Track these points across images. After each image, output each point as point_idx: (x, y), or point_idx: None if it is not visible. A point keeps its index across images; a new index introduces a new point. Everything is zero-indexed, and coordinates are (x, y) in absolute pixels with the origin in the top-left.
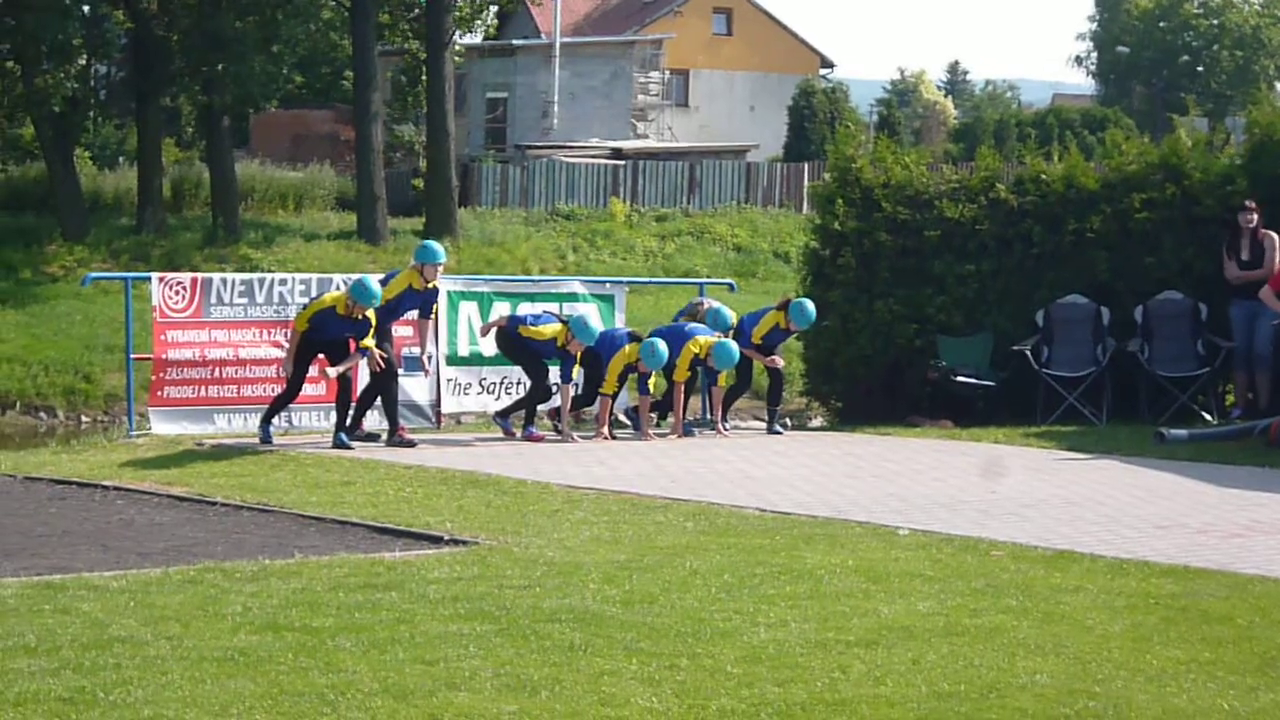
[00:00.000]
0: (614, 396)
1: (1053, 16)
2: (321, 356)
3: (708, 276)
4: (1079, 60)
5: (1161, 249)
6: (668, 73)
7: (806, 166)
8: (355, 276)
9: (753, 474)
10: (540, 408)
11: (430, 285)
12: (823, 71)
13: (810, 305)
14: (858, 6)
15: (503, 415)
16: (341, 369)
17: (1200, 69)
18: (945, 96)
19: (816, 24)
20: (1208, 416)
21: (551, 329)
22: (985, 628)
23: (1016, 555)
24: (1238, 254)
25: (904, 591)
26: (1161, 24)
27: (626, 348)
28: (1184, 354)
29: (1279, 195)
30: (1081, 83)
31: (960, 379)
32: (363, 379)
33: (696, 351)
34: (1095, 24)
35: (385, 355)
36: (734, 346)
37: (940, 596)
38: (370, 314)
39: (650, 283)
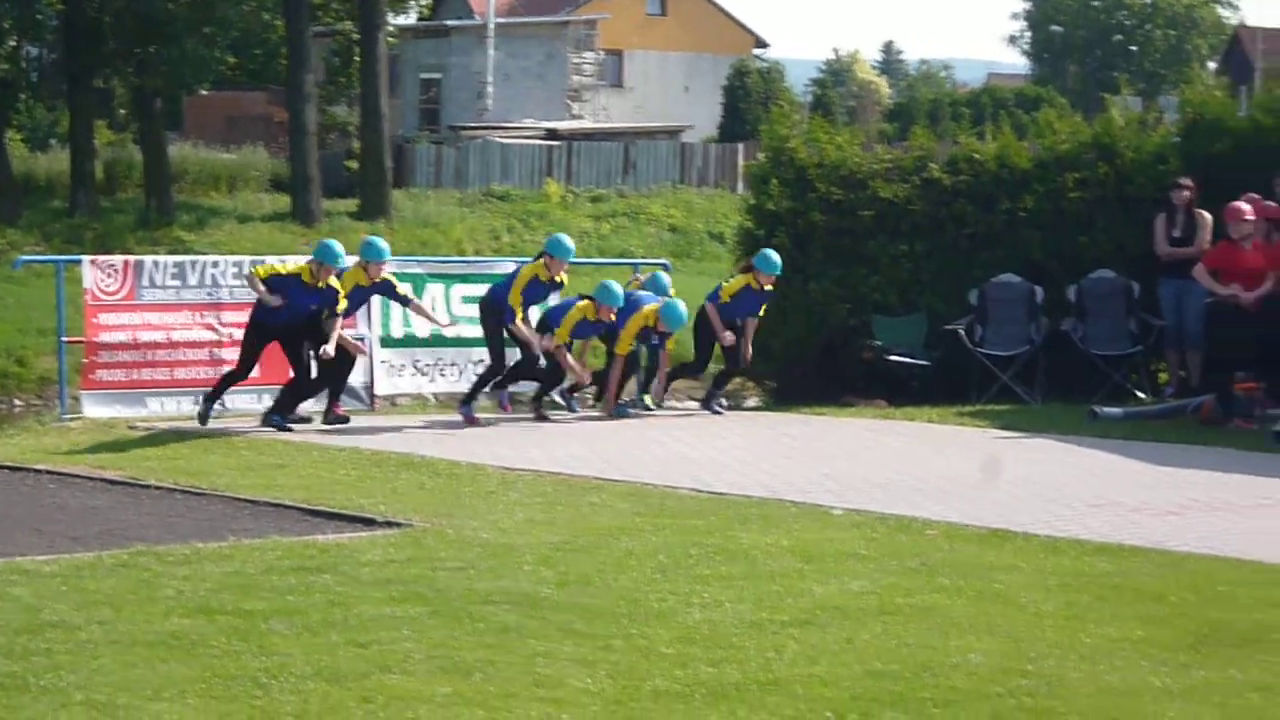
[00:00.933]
0: (628, 358)
1: None
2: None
3: (643, 257)
4: (1013, 39)
5: (1094, 228)
6: (602, 53)
7: (741, 147)
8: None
9: (688, 455)
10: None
11: (377, 280)
12: (757, 52)
13: (773, 253)
14: None
15: (468, 401)
16: (333, 343)
17: (1134, 48)
18: (880, 76)
19: (750, 4)
20: (1141, 395)
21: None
22: (919, 607)
23: (950, 534)
24: (1169, 232)
25: (838, 571)
26: (1095, 3)
27: (646, 308)
28: (1117, 333)
29: (1211, 174)
30: (1016, 62)
31: (894, 359)
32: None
33: (645, 322)
34: (1029, 3)
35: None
36: (681, 306)
37: (874, 576)
38: (334, 282)
39: (585, 263)
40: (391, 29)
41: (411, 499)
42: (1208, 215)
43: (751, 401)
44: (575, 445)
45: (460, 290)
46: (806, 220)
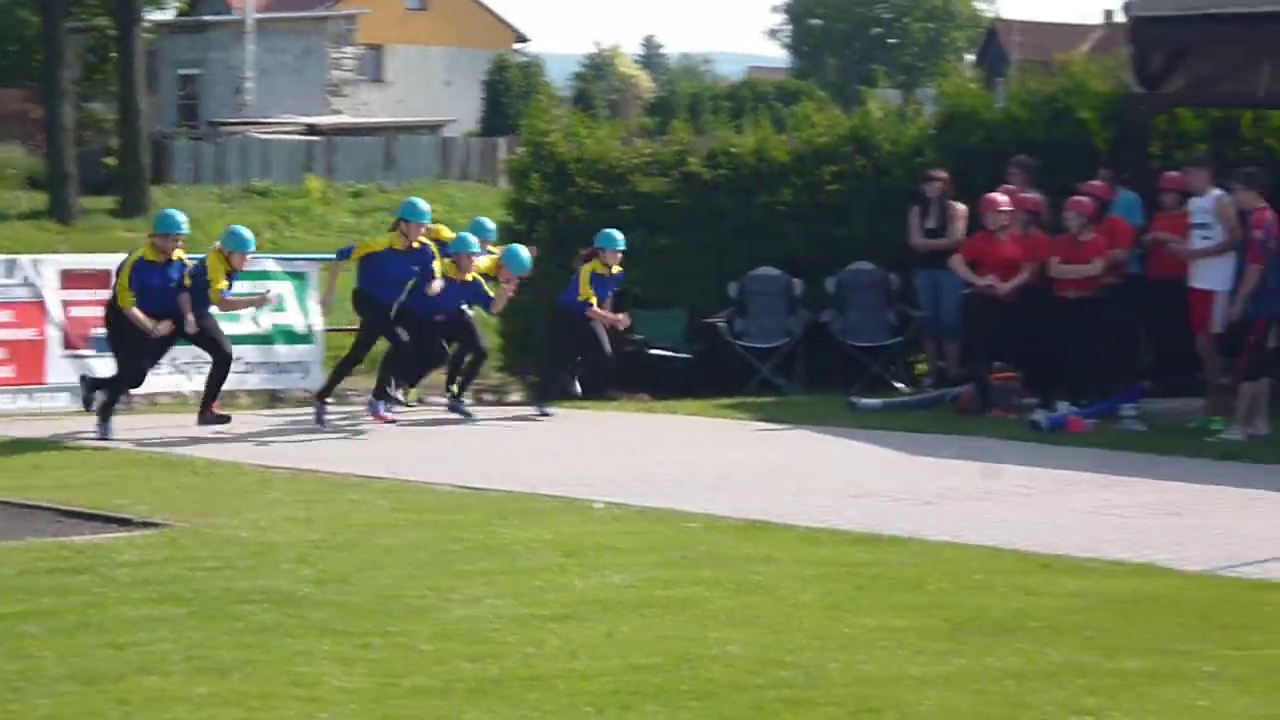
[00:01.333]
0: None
1: None
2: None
3: None
4: (774, 33)
5: (852, 220)
6: (362, 48)
7: (503, 141)
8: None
9: (450, 450)
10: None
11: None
12: (518, 46)
13: (615, 231)
14: None
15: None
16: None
17: (893, 41)
18: (641, 70)
19: None
20: (899, 386)
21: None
22: (679, 599)
23: (710, 526)
24: (923, 223)
25: (599, 565)
26: None
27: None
28: (875, 324)
29: (967, 166)
30: (776, 55)
31: (655, 352)
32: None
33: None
34: None
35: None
36: (522, 250)
37: (635, 569)
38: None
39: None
40: (148, 25)
41: (169, 499)
42: (961, 206)
43: (515, 396)
44: (337, 442)
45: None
46: (567, 214)
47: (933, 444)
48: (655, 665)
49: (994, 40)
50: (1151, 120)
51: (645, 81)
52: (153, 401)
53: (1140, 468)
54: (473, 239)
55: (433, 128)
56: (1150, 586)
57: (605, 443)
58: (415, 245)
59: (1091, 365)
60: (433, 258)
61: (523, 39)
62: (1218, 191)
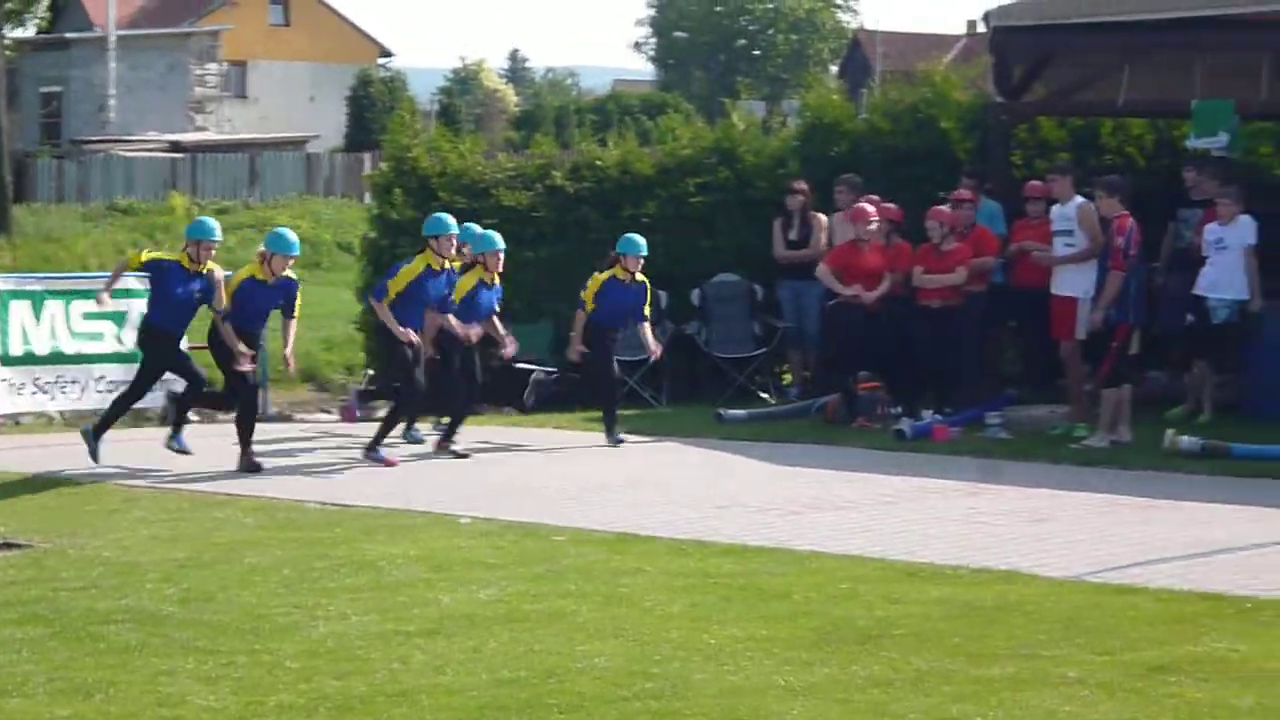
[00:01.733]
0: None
1: (613, 3)
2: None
3: None
4: (639, 46)
5: (717, 232)
6: (225, 64)
7: (368, 157)
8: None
9: (313, 467)
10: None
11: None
12: (382, 61)
13: (636, 235)
14: None
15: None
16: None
17: (757, 53)
18: (507, 84)
19: (375, 14)
20: (765, 396)
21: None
22: (546, 613)
23: (578, 539)
24: (786, 234)
25: (466, 580)
26: (719, 8)
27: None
28: (741, 335)
29: (830, 177)
30: (642, 68)
31: (522, 366)
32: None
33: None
34: (654, 10)
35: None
36: (495, 236)
37: (502, 584)
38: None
39: None
40: (9, 42)
41: (33, 519)
42: (823, 217)
43: (381, 412)
44: (202, 458)
45: (80, 306)
46: None
47: (799, 454)
48: (522, 679)
49: (858, 51)
50: (1013, 129)
51: (511, 95)
52: (16, 421)
53: (1005, 475)
54: (496, 236)
55: (297, 144)
56: (1015, 593)
57: (473, 456)
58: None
59: (956, 374)
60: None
61: (387, 54)
62: (1080, 199)
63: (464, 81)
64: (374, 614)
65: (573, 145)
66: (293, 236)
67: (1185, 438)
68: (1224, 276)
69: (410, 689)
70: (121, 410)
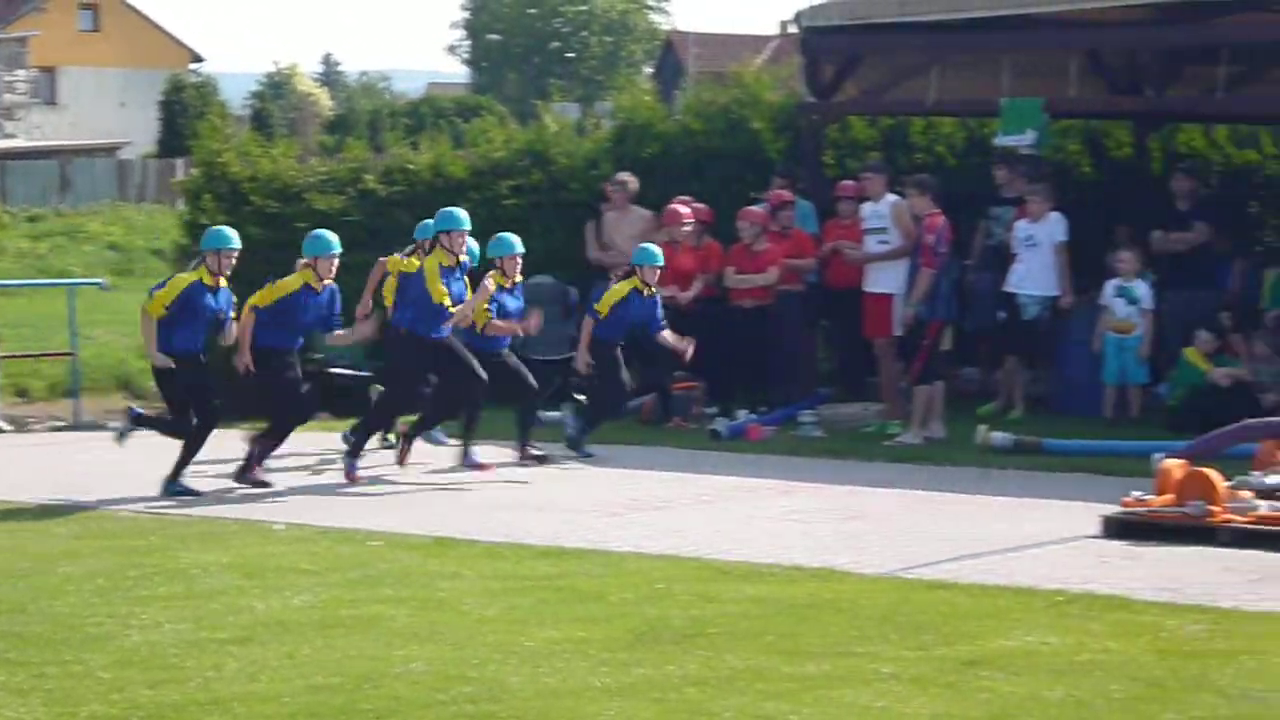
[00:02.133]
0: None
1: (427, 6)
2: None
3: (83, 276)
4: (453, 49)
5: (531, 234)
6: (35, 70)
7: (180, 162)
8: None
9: (130, 473)
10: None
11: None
12: (193, 66)
13: (650, 246)
14: (228, 1)
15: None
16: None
17: (571, 55)
18: (320, 88)
19: (186, 19)
20: (581, 398)
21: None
22: (361, 618)
23: (394, 544)
24: (599, 236)
25: (280, 586)
26: (532, 10)
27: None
28: (556, 337)
29: (643, 178)
30: (457, 71)
31: (336, 371)
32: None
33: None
34: (468, 12)
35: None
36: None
37: (316, 590)
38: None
39: (19, 285)
40: None
41: None
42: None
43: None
44: (18, 470)
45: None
46: (242, 234)
47: (615, 455)
48: (337, 685)
49: (671, 52)
50: (824, 129)
51: (325, 99)
52: None
53: (819, 473)
54: (513, 239)
55: (109, 150)
56: (829, 590)
57: (292, 463)
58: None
59: (770, 373)
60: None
61: (198, 59)
62: (893, 197)
63: (277, 86)
64: (187, 622)
65: (385, 149)
66: (331, 235)
67: (997, 433)
68: (1034, 273)
69: (223, 697)
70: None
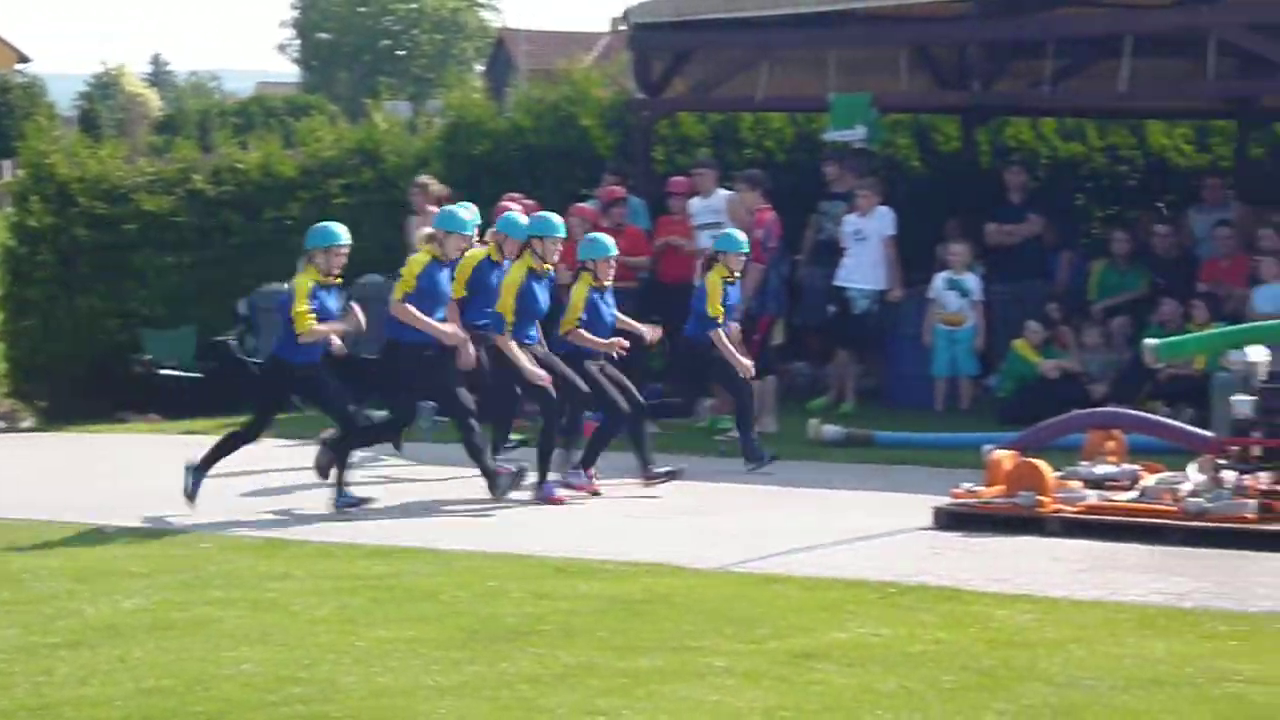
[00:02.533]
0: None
1: (256, 5)
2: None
3: None
4: (283, 47)
5: (362, 233)
6: None
7: (7, 164)
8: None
9: None
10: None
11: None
12: (19, 67)
13: (732, 231)
14: (55, 2)
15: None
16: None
17: (402, 53)
18: (149, 88)
19: (12, 20)
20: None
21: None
22: (193, 620)
23: (225, 546)
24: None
25: (110, 589)
26: (361, 9)
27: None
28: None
29: (474, 175)
30: (287, 70)
31: (165, 371)
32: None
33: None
34: (297, 11)
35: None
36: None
37: (147, 592)
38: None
39: None
40: None
41: None
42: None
43: (27, 422)
44: None
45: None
46: (70, 236)
47: (447, 452)
48: (168, 688)
49: (502, 50)
50: (654, 125)
51: (153, 100)
52: None
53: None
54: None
55: None
56: (663, 586)
57: (117, 465)
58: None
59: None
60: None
61: (25, 59)
62: (725, 192)
63: (105, 87)
64: (16, 627)
65: (215, 148)
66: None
67: (829, 427)
68: (864, 267)
69: (54, 702)
70: (349, 448)
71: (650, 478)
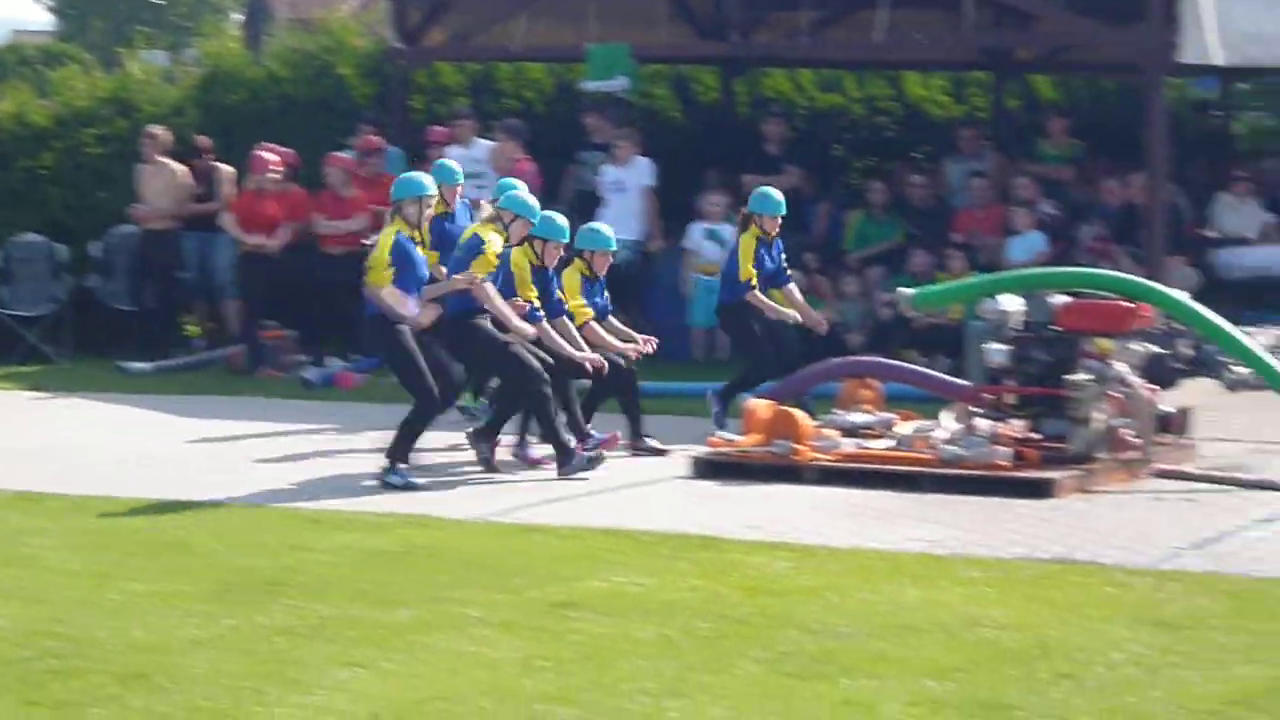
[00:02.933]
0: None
1: None
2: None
3: None
4: None
5: (114, 183)
6: None
7: None
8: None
9: None
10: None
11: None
12: None
13: (769, 190)
14: None
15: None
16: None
17: (159, 2)
18: None
19: None
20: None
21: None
22: None
23: None
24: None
25: None
26: None
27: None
28: (41, 294)
29: (230, 125)
30: (42, 19)
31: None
32: None
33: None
34: None
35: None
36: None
37: None
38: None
39: None
40: None
41: None
42: (227, 168)
43: None
44: None
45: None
46: None
47: (204, 405)
48: None
49: None
50: (412, 75)
51: None
52: None
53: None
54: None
55: None
56: (421, 537)
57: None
58: None
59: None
60: None
61: None
62: (486, 142)
63: None
64: None
65: None
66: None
67: None
68: (622, 217)
69: None
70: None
71: (639, 448)
